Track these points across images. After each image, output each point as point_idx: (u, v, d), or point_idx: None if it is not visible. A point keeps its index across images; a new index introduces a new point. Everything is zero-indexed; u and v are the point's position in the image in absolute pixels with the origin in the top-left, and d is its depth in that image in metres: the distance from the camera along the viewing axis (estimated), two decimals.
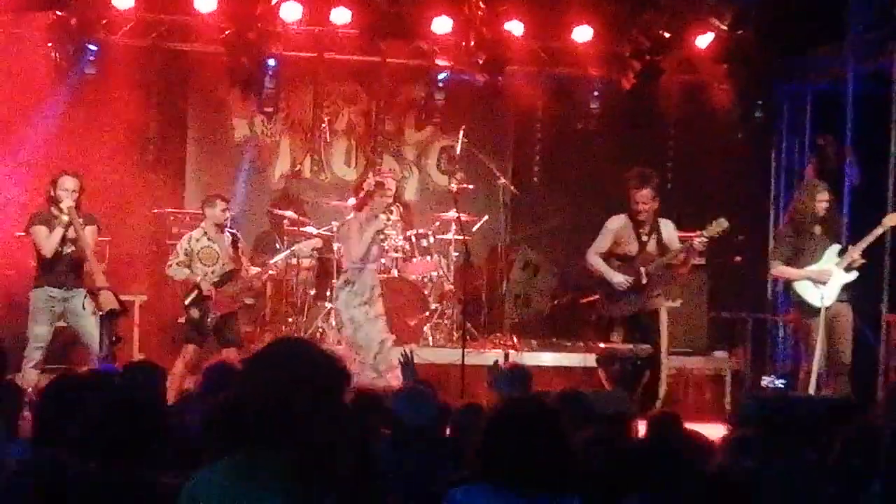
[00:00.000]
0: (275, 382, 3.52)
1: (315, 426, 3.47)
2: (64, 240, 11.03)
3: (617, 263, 11.59)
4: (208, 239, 12.03)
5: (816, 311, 11.44)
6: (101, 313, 10.90)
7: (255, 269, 12.29)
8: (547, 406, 4.48)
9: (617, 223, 11.62)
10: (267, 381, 3.54)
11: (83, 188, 11.14)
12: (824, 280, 11.50)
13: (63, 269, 11.12)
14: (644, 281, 11.45)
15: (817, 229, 11.65)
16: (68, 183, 11.00)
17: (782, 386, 12.34)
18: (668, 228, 11.66)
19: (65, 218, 10.92)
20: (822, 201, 11.64)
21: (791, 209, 12.11)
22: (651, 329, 11.60)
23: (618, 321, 11.67)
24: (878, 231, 11.72)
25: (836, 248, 11.65)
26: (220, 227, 12.03)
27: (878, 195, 12.84)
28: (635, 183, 11.47)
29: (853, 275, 11.63)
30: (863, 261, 11.61)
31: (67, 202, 10.93)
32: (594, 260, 11.64)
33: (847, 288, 11.64)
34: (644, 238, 11.56)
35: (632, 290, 11.50)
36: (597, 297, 12.24)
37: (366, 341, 11.73)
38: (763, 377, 12.90)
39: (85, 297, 11.10)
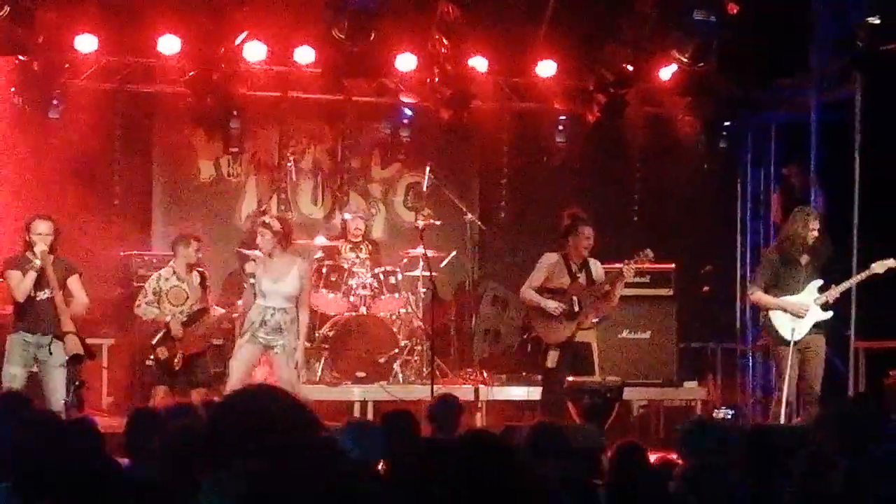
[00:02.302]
0: (240, 428, 3.52)
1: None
2: (39, 284, 10.95)
3: (548, 295, 11.89)
4: (177, 279, 12.00)
5: (787, 341, 11.47)
6: (65, 358, 10.82)
7: (220, 310, 12.23)
8: (504, 444, 4.45)
9: (550, 259, 12.02)
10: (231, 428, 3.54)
11: (58, 231, 11.05)
12: (800, 314, 11.53)
13: (38, 315, 11.01)
14: (577, 308, 11.81)
15: (804, 259, 11.64)
16: (41, 227, 10.91)
17: (730, 417, 12.46)
18: (596, 266, 12.07)
19: (37, 262, 10.85)
20: (813, 230, 11.65)
21: (781, 236, 12.08)
22: (585, 361, 11.92)
23: (553, 346, 11.89)
24: (863, 275, 11.76)
25: (818, 283, 11.65)
26: (190, 267, 11.99)
27: (843, 222, 12.93)
28: (582, 220, 11.89)
29: (828, 314, 11.66)
30: (836, 297, 11.68)
31: (40, 246, 10.85)
32: (528, 293, 12.05)
33: (822, 322, 11.67)
34: (576, 273, 11.93)
35: (565, 316, 11.79)
36: None
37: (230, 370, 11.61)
38: (714, 409, 13.01)
39: (56, 343, 10.99)
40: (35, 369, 11.16)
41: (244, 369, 11.36)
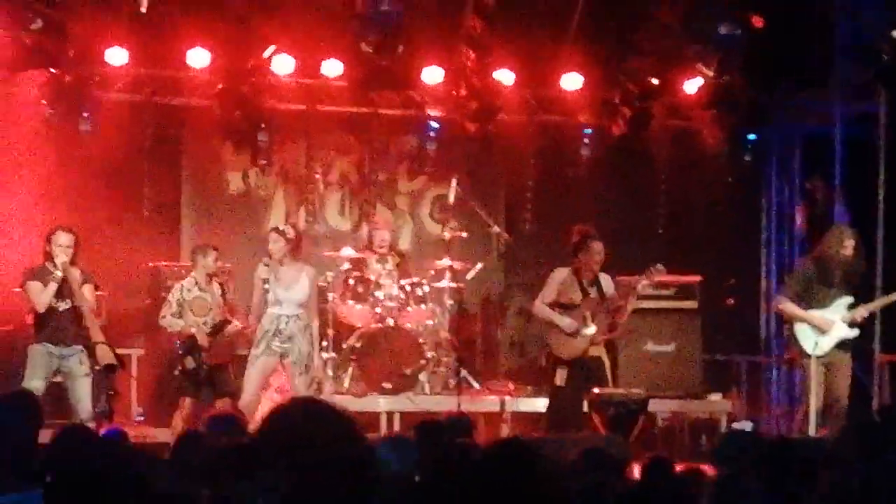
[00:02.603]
0: (282, 440, 3.59)
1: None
2: (60, 295, 11.07)
3: (560, 311, 11.90)
4: (199, 289, 12.09)
5: (809, 355, 11.50)
6: (97, 367, 10.92)
7: (238, 325, 12.28)
8: (529, 450, 4.54)
9: (562, 275, 12.03)
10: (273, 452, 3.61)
11: (79, 243, 11.18)
12: (825, 329, 11.55)
13: (60, 326, 11.13)
14: (590, 324, 11.80)
15: (837, 275, 11.67)
16: (63, 238, 11.04)
17: (748, 430, 12.50)
18: (606, 281, 12.04)
19: (58, 273, 10.97)
20: (848, 246, 11.69)
21: (817, 251, 12.11)
22: (598, 375, 11.89)
23: (562, 364, 11.86)
24: (894, 297, 11.77)
25: (847, 300, 11.66)
26: (210, 277, 12.08)
27: (867, 236, 12.93)
28: (592, 236, 11.90)
29: (854, 332, 11.68)
30: (865, 316, 11.70)
31: (62, 258, 10.97)
32: (541, 309, 12.07)
33: (847, 339, 11.69)
34: (587, 288, 11.93)
35: (577, 332, 11.78)
36: None
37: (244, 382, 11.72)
38: (734, 421, 13.02)
39: (82, 353, 11.13)
40: (58, 379, 11.28)
41: (260, 379, 11.50)
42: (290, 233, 11.52)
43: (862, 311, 11.64)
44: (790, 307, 11.81)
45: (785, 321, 12.22)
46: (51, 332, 11.11)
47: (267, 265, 11.60)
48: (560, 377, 11.83)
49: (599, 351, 12.03)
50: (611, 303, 11.90)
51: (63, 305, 11.10)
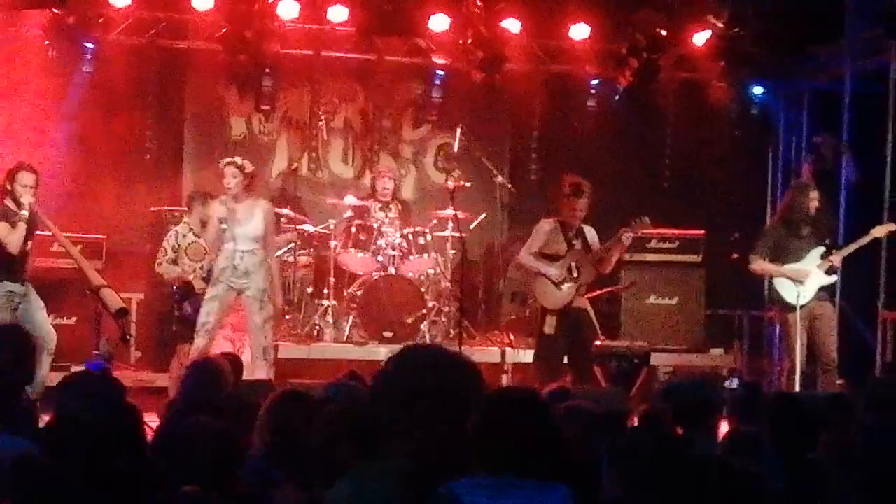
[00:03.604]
0: (407, 394, 3.52)
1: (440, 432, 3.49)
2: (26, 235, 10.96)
3: (546, 262, 11.87)
4: (194, 234, 12.07)
5: (793, 306, 11.49)
6: (110, 312, 10.83)
7: None
8: (538, 397, 4.54)
9: (548, 226, 11.97)
10: (398, 393, 3.54)
11: (38, 184, 11.01)
12: (801, 279, 11.59)
13: (23, 265, 11.04)
14: (575, 274, 11.77)
15: (806, 230, 11.72)
16: (28, 178, 10.86)
17: (735, 387, 12.49)
18: (591, 233, 12.01)
19: (25, 213, 10.81)
20: (813, 199, 11.71)
21: (783, 207, 12.20)
22: (583, 325, 11.86)
23: (550, 312, 11.81)
24: (865, 240, 11.81)
25: (820, 249, 11.70)
26: (204, 223, 11.99)
27: (874, 193, 12.87)
28: (574, 192, 11.75)
29: (833, 278, 11.75)
30: (840, 260, 11.73)
31: (28, 197, 10.84)
32: (527, 259, 12.01)
33: (826, 287, 11.71)
34: (572, 240, 11.88)
35: (565, 282, 11.74)
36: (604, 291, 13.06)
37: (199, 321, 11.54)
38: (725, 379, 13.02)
39: (30, 287, 11.06)
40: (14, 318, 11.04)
41: (217, 316, 11.41)
42: (249, 166, 11.43)
43: (836, 257, 11.66)
44: (763, 264, 11.86)
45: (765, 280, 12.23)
46: (15, 272, 10.95)
47: (223, 203, 11.47)
48: (549, 325, 11.79)
49: (584, 303, 12.00)
50: (595, 255, 11.84)
51: (28, 246, 10.99)
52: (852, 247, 11.88)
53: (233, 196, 11.32)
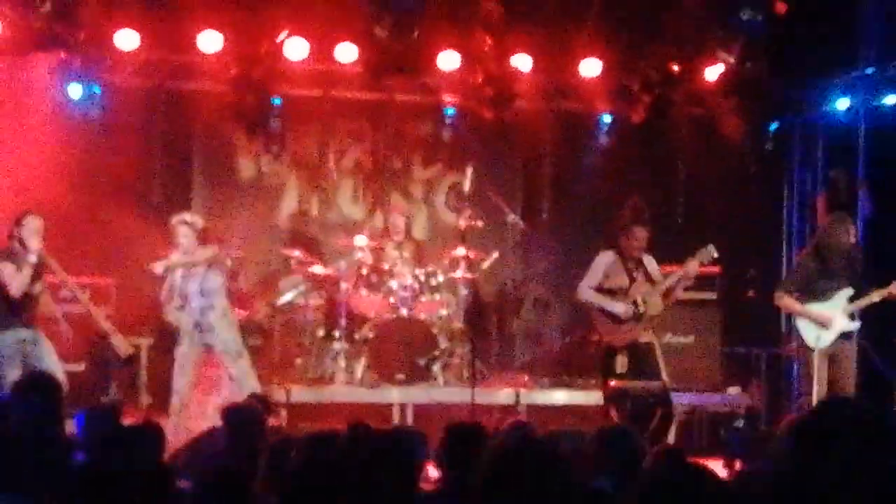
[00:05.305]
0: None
1: None
2: (33, 278, 10.89)
3: (607, 296, 11.57)
4: None
5: (812, 348, 11.31)
6: (119, 360, 10.77)
7: (243, 312, 12.11)
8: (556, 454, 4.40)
9: (606, 258, 11.65)
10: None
11: (45, 229, 10.95)
12: (824, 324, 11.35)
13: (32, 309, 10.97)
14: (642, 309, 11.47)
15: (841, 263, 11.43)
16: (37, 223, 10.86)
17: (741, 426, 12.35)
18: (651, 263, 11.70)
19: (32, 258, 10.76)
20: (851, 233, 11.49)
21: (821, 243, 11.72)
22: (650, 362, 11.54)
23: (619, 350, 11.51)
24: (886, 291, 11.49)
25: (848, 291, 11.43)
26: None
27: (891, 228, 12.73)
28: (636, 219, 11.55)
29: (856, 324, 11.47)
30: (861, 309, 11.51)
31: (36, 243, 10.79)
32: (588, 294, 11.64)
33: (848, 332, 11.48)
34: (633, 272, 11.59)
35: (632, 318, 11.47)
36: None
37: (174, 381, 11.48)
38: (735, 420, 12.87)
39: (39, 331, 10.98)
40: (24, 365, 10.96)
41: (189, 375, 11.32)
42: (199, 223, 11.35)
43: (862, 303, 11.41)
44: (788, 302, 11.62)
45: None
46: (24, 316, 10.89)
47: (166, 263, 11.40)
48: (621, 364, 11.44)
49: (651, 337, 11.66)
50: (659, 286, 11.55)
51: (37, 288, 10.92)
52: (876, 297, 11.60)
53: (186, 252, 11.28)
